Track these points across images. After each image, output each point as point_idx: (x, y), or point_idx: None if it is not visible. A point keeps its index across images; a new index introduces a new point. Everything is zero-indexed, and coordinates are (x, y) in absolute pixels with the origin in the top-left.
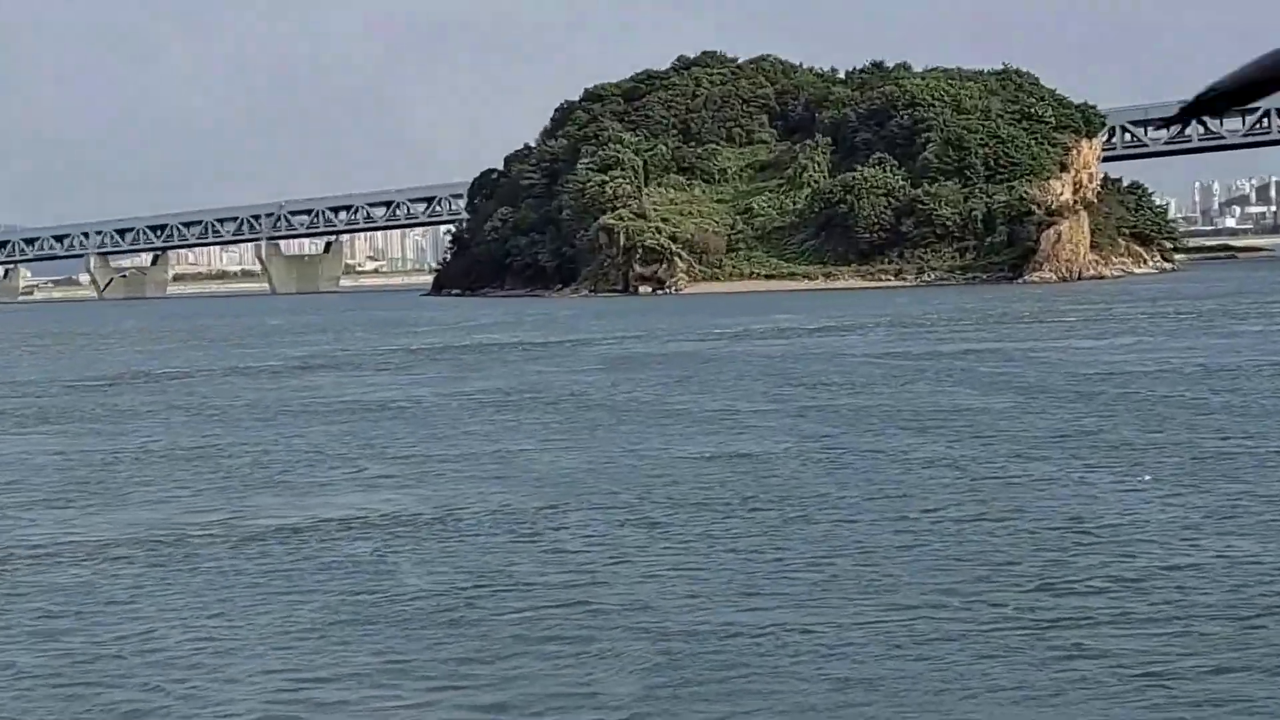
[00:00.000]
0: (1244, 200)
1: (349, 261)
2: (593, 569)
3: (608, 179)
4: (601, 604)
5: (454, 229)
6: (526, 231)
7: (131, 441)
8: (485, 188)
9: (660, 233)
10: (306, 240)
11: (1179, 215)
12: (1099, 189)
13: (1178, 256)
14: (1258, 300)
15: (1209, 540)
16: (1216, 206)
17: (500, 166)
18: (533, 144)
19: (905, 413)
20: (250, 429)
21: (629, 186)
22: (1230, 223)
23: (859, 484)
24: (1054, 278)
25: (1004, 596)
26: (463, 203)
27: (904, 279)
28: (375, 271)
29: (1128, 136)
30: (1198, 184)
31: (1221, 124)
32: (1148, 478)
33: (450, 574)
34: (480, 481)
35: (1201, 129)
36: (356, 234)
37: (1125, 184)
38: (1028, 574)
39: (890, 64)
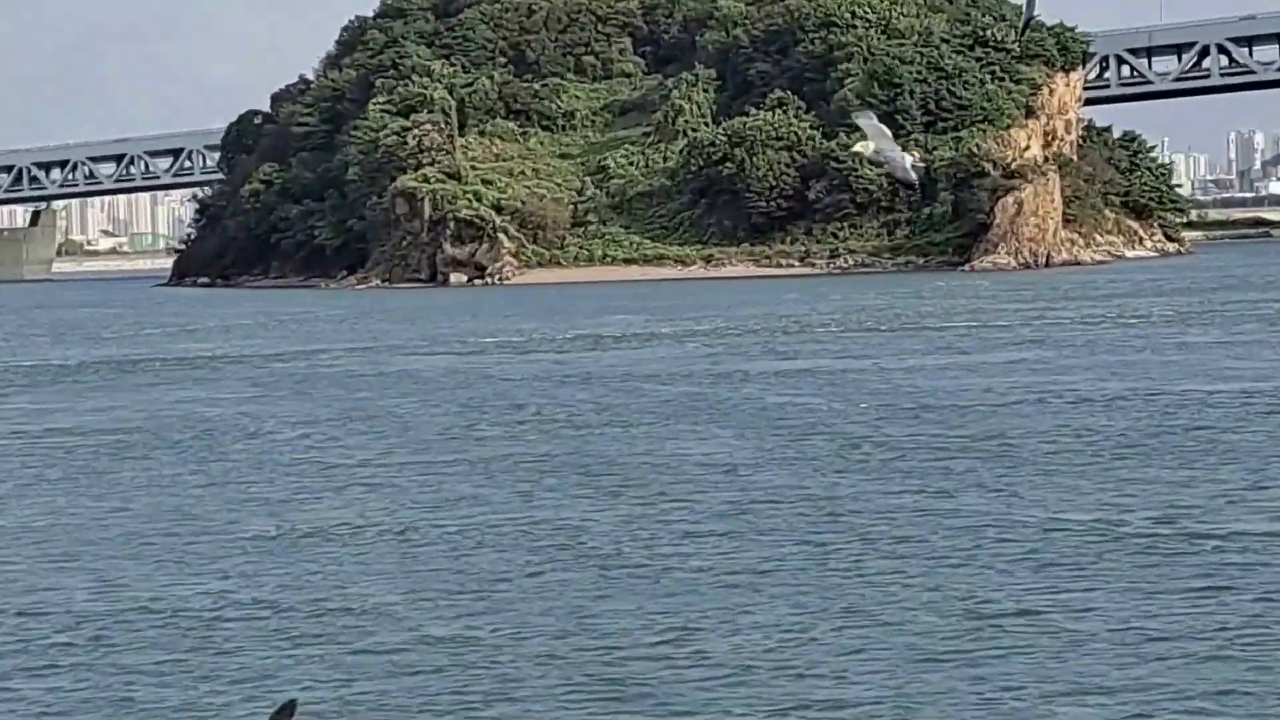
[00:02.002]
0: None
1: (74, 238)
2: None
3: (410, 125)
4: None
5: (200, 194)
6: (299, 198)
7: None
8: (244, 137)
9: (481, 200)
10: (5, 209)
11: (1208, 178)
12: (1079, 142)
13: (1190, 234)
14: (1253, 298)
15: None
16: (1259, 166)
17: (266, 108)
18: (311, 77)
19: (562, 466)
20: None
21: (438, 136)
22: (1276, 188)
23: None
24: (1012, 263)
25: None
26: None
27: (812, 264)
28: (113, 251)
29: (1125, 71)
30: (1233, 135)
31: (1251, 53)
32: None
33: None
34: None
35: (1225, 59)
36: (79, 199)
37: (1117, 136)
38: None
39: None
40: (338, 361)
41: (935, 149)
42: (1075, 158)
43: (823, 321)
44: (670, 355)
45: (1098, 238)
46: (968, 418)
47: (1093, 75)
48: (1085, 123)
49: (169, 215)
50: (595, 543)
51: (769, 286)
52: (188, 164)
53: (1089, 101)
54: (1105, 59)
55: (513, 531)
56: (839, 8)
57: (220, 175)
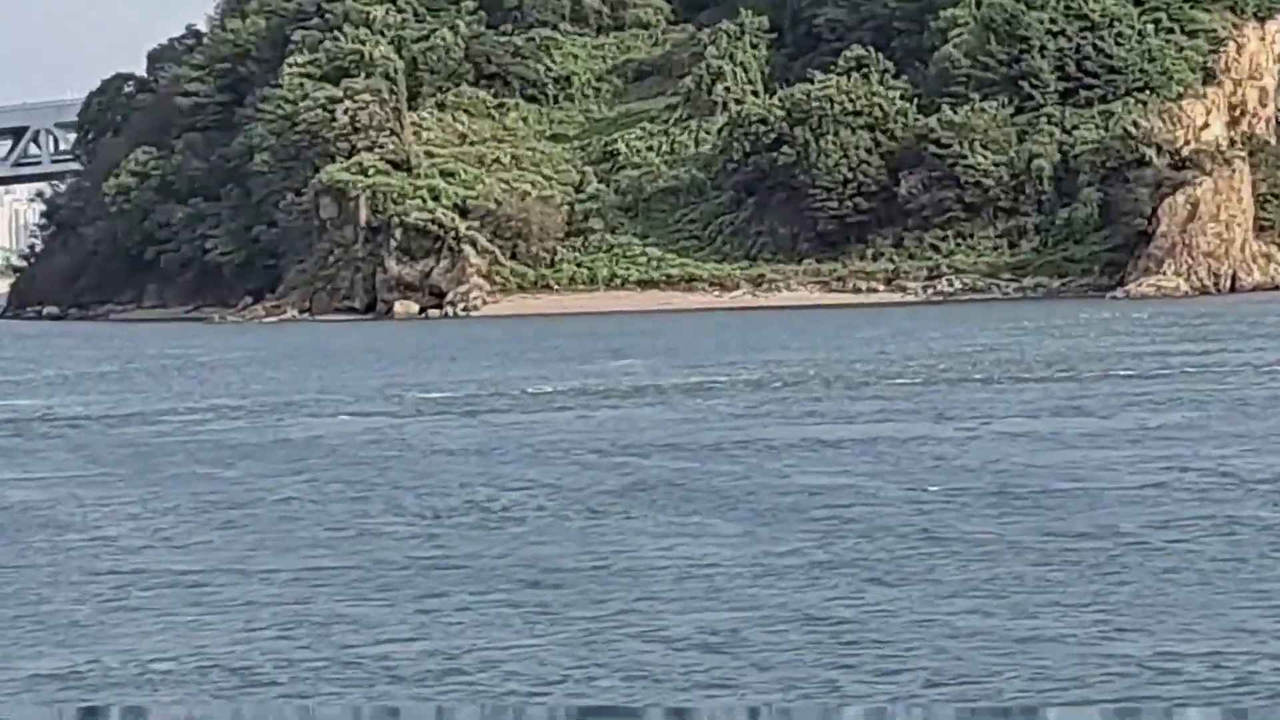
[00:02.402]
0: None
1: None
2: None
3: (340, 96)
4: None
5: (47, 191)
6: (185, 196)
7: None
8: (110, 112)
9: (439, 199)
10: None
11: None
12: (1279, 115)
13: None
14: None
15: None
16: None
17: (142, 72)
18: (203, 28)
19: (489, 575)
20: None
21: (380, 110)
22: None
23: None
24: (1184, 287)
25: None
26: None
27: (903, 288)
28: None
29: None
30: None
31: None
32: None
33: None
34: None
35: None
36: None
37: None
38: None
39: None
40: (210, 425)
41: (1076, 128)
42: (1274, 139)
43: (901, 369)
44: (674, 417)
45: None
46: (1075, 509)
47: None
48: None
49: (7, 219)
50: (519, 687)
51: (840, 319)
52: (33, 149)
53: None
54: None
55: (411, 671)
56: None
57: (76, 164)
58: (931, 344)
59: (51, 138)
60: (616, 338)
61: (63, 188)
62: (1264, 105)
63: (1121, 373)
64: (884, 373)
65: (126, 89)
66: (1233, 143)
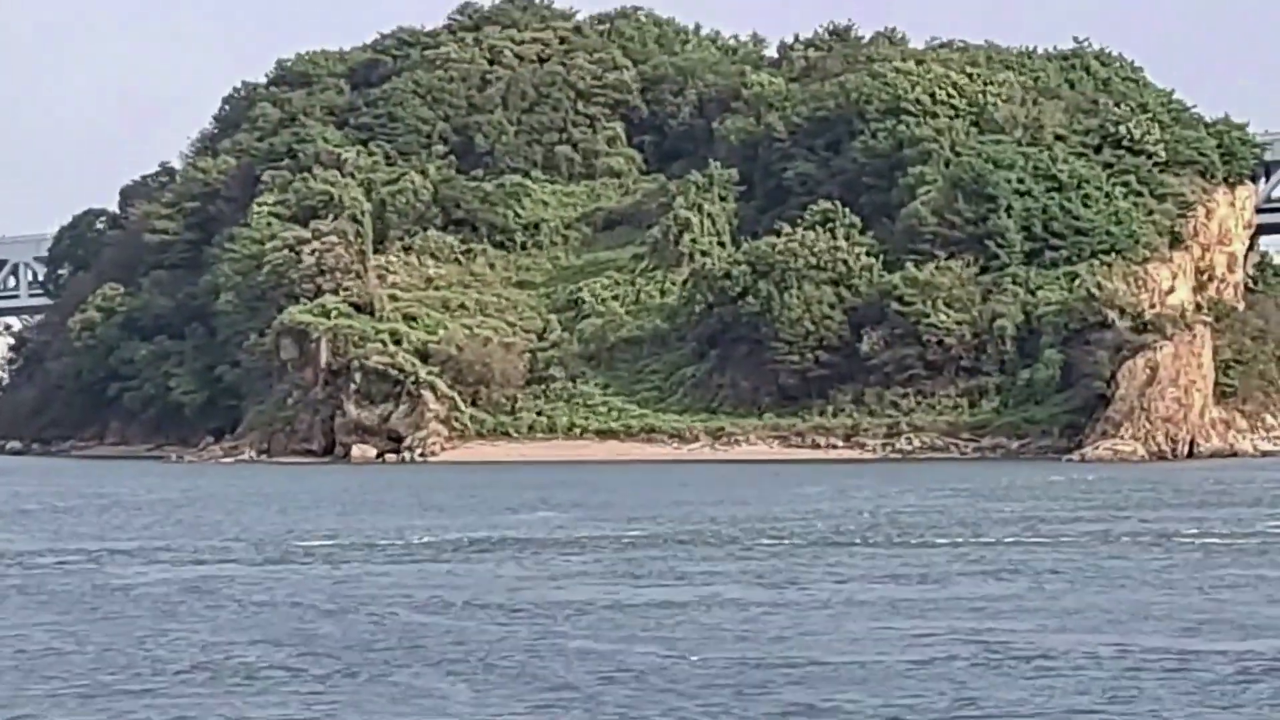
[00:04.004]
0: None
1: None
2: None
3: (308, 237)
4: None
5: (14, 325)
6: (150, 333)
7: None
8: (79, 246)
9: (400, 343)
10: None
11: None
12: (1249, 284)
13: None
14: None
15: None
16: None
17: (114, 207)
18: (177, 165)
19: None
20: None
21: (345, 252)
22: None
23: None
24: (1140, 451)
25: None
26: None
27: (862, 444)
28: None
29: None
30: None
31: None
32: None
33: None
34: None
35: None
36: None
37: None
38: None
39: (863, 31)
40: (58, 567)
41: (1040, 288)
42: (1241, 305)
43: (785, 529)
44: (522, 574)
45: (1269, 419)
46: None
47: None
48: (1260, 258)
49: None
50: None
51: (789, 475)
52: (11, 281)
53: (1265, 229)
54: None
55: None
56: (913, 88)
57: (38, 300)
58: (850, 503)
59: (30, 271)
60: (554, 488)
61: (32, 322)
62: (1233, 271)
63: (1009, 539)
64: (763, 531)
65: (99, 224)
66: (1199, 307)
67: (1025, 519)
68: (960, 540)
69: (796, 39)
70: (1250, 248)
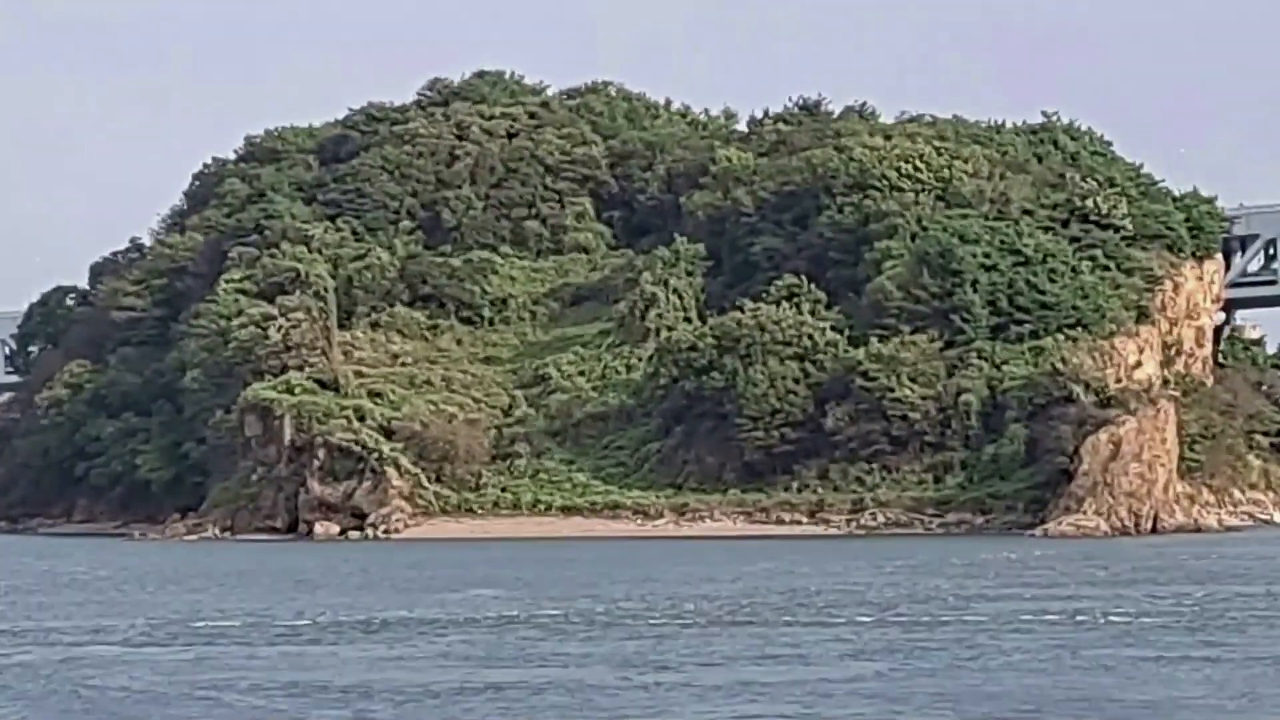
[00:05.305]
0: None
1: None
2: None
3: (274, 313)
4: None
5: None
6: (118, 410)
7: None
8: (48, 323)
9: (364, 419)
10: None
11: None
12: (1217, 359)
13: None
14: None
15: None
16: None
17: (83, 283)
18: (147, 241)
19: None
20: None
21: (311, 329)
22: None
23: None
24: (1103, 526)
25: None
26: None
27: (827, 520)
28: None
29: None
30: None
31: None
32: None
33: None
34: None
35: None
36: None
37: (1273, 351)
38: None
39: (832, 106)
40: None
41: (1005, 363)
42: (1209, 380)
43: (695, 607)
44: (410, 653)
45: (1235, 494)
46: None
47: (1254, 266)
48: (1228, 332)
49: None
50: None
51: (756, 551)
52: None
53: (1233, 304)
54: (1271, 242)
55: None
56: (879, 163)
57: (7, 378)
58: (794, 580)
59: (6, 348)
60: (504, 565)
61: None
62: (1201, 345)
63: (904, 618)
64: (664, 609)
65: (69, 301)
66: (1166, 382)
67: (939, 598)
68: (860, 619)
69: (767, 113)
70: (1226, 320)
